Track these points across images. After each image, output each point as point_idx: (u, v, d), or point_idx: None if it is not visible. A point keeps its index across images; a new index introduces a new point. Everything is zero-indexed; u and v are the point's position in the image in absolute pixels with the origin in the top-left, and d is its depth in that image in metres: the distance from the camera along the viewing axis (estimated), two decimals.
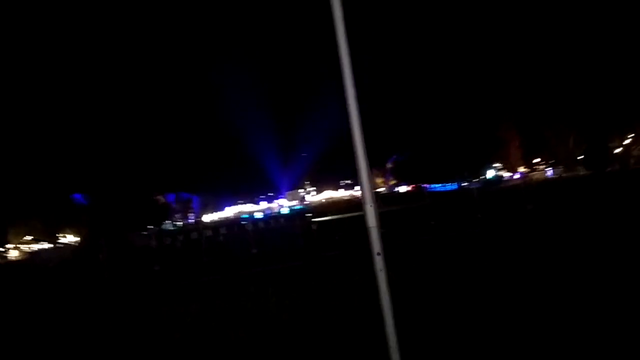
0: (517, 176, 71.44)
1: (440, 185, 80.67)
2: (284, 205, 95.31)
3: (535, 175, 67.26)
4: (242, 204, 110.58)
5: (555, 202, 23.84)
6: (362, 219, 3.39)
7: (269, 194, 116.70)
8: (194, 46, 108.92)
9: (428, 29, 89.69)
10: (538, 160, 74.32)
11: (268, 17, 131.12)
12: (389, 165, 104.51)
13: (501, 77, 68.87)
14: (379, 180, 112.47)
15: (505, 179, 72.04)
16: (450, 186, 77.71)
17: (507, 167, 76.92)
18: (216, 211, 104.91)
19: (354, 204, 65.49)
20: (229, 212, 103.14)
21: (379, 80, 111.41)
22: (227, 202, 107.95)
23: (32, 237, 64.95)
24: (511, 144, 73.58)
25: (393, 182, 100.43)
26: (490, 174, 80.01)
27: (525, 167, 75.21)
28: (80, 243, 46.11)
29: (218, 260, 21.03)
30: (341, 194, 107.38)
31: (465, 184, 79.01)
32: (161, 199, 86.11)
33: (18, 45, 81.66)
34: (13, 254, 58.21)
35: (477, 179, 79.85)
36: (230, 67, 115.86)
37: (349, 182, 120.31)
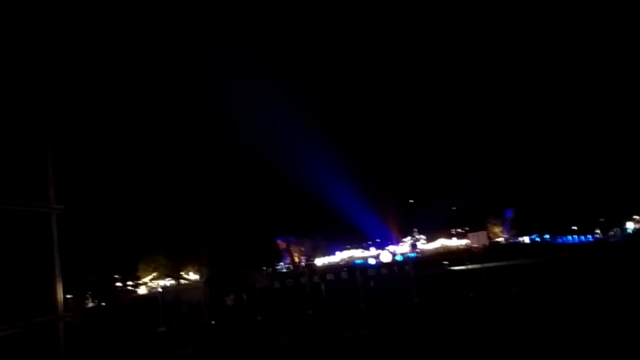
0: None
1: (572, 237, 74.12)
2: (396, 252, 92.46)
3: None
4: (349, 249, 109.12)
5: None
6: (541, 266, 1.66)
7: (376, 239, 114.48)
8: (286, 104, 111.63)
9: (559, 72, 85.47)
10: None
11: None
12: (508, 215, 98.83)
13: None
14: (497, 230, 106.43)
15: None
16: (584, 238, 71.19)
17: None
18: (326, 255, 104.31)
19: (476, 254, 61.64)
20: (339, 257, 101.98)
21: (504, 122, 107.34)
22: (336, 246, 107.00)
23: (158, 273, 67.51)
24: None
25: (514, 232, 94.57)
26: (629, 226, 72.50)
27: None
28: (207, 282, 47.01)
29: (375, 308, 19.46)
30: (456, 242, 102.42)
31: (599, 236, 71.96)
32: (279, 242, 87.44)
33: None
34: (141, 290, 60.56)
35: (615, 232, 72.71)
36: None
37: (460, 230, 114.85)
